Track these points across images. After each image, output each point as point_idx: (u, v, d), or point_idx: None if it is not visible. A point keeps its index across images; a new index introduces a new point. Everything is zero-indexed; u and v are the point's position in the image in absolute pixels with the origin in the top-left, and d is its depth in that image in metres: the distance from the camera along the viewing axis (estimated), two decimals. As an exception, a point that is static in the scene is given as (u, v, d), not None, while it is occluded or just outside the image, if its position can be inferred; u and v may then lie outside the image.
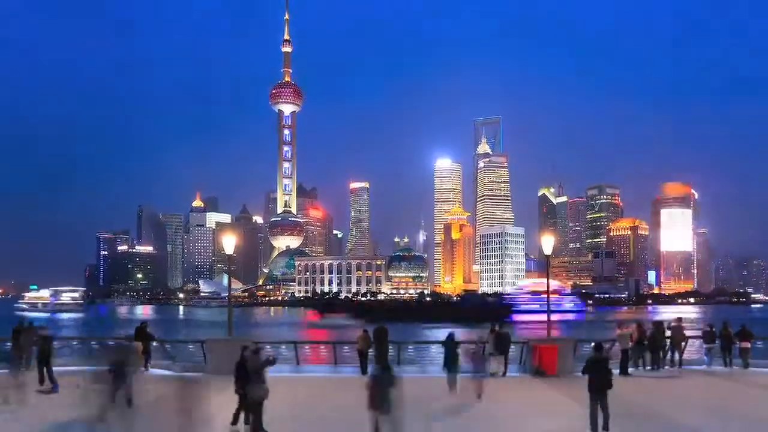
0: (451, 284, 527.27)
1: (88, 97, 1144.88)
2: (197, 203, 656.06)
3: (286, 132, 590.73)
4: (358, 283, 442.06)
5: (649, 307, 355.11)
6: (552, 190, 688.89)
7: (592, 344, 21.05)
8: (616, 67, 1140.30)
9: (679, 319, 35.16)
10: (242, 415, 20.11)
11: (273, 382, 28.62)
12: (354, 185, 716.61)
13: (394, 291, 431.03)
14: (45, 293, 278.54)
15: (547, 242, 34.83)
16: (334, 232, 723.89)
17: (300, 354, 33.50)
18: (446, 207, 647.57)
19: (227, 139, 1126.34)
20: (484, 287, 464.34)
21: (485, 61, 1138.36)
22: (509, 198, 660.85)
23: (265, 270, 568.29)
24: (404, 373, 30.13)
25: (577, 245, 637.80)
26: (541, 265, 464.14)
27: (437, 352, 36.57)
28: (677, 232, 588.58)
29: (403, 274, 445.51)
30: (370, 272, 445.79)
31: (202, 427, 17.78)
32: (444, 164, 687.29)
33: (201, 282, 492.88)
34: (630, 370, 31.19)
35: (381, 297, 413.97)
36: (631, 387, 27.10)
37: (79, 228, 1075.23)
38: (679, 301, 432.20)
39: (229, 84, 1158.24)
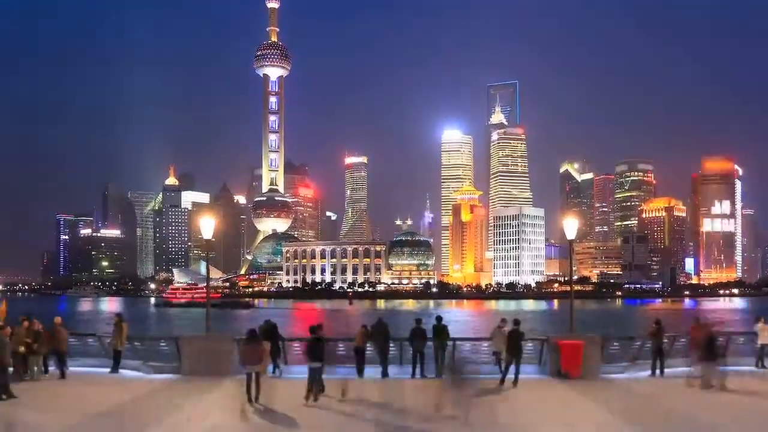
0: (460, 273, 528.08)
1: (46, 61, 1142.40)
2: (171, 181, 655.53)
3: (273, 99, 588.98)
4: (355, 272, 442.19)
5: (687, 299, 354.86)
6: (576, 165, 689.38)
7: None
8: (647, 29, 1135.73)
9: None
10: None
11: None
12: (350, 160, 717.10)
13: (396, 281, 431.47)
14: None
15: (571, 225, 34.68)
16: (327, 213, 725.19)
17: (288, 352, 33.47)
18: (455, 185, 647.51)
19: (205, 107, 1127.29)
20: (498, 276, 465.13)
21: (500, 18, 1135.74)
22: (527, 175, 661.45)
23: (249, 257, 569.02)
24: (406, 375, 30.29)
25: (605, 228, 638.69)
26: (564, 252, 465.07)
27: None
28: (719, 213, 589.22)
29: (406, 262, 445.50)
30: (368, 259, 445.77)
31: None
32: (453, 136, 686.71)
33: (175, 271, 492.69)
34: None
35: (380, 287, 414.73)
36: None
37: (36, 209, 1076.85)
38: (721, 292, 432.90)
39: (208, 45, 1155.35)
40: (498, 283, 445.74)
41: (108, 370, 31.12)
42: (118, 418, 22.23)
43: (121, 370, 31.10)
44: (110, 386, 27.60)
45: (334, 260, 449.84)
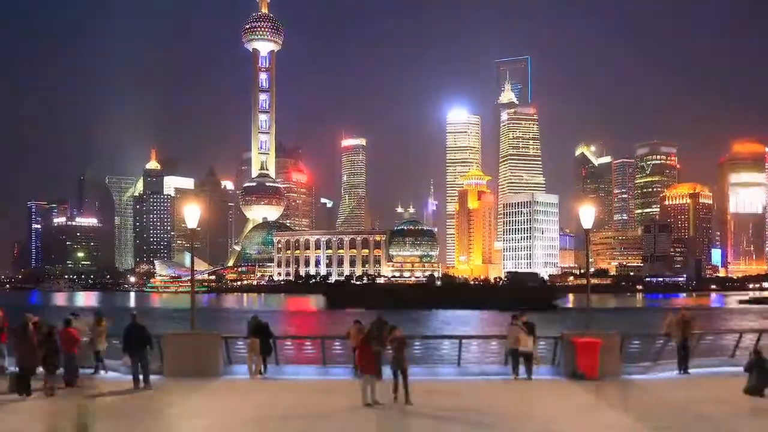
0: (467, 265, 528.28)
1: (16, 38, 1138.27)
2: (152, 165, 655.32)
3: (263, 76, 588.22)
4: (352, 264, 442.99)
5: (713, 294, 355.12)
6: (593, 148, 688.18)
7: None
8: (671, 3, 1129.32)
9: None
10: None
11: (249, 386, 28.86)
12: (347, 142, 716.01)
13: (397, 273, 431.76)
14: None
15: (587, 213, 34.64)
16: (322, 200, 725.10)
17: (280, 352, 33.49)
18: (461, 169, 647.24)
19: (189, 85, 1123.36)
20: (508, 268, 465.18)
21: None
22: (539, 158, 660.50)
23: (237, 248, 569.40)
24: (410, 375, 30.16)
25: (624, 217, 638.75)
26: (579, 242, 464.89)
27: (450, 349, 36.60)
28: (748, 200, 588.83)
29: (408, 253, 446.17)
30: (366, 250, 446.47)
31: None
32: (459, 116, 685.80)
33: (157, 263, 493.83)
34: None
35: (380, 281, 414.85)
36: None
37: (6, 196, 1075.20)
38: (751, 286, 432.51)
39: (192, 17, 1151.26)
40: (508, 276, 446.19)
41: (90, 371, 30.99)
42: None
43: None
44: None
45: (329, 251, 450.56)
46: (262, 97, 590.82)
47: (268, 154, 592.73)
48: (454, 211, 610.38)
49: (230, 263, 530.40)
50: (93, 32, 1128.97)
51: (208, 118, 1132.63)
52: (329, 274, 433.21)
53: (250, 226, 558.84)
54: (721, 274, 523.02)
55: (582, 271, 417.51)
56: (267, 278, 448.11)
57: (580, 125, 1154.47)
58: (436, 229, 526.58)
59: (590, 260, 38.64)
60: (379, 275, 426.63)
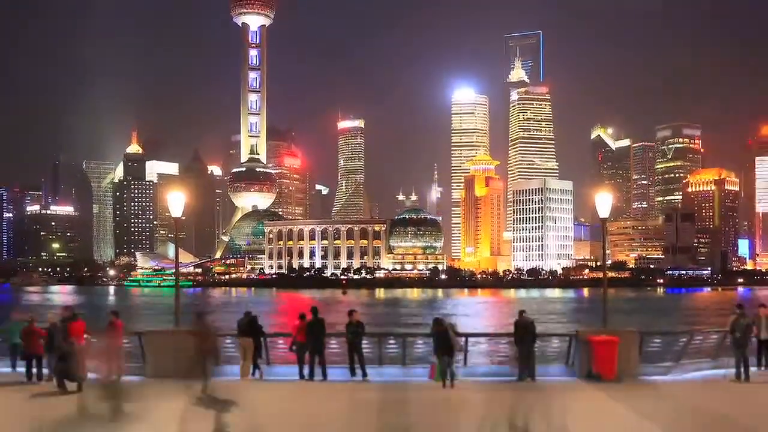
0: (474, 257, 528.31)
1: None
2: (133, 148, 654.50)
3: (253, 53, 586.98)
4: (349, 256, 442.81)
5: (740, 288, 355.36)
6: (610, 130, 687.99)
7: None
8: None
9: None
10: None
11: (238, 387, 28.87)
12: (344, 124, 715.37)
13: (398, 266, 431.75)
14: None
15: (604, 201, 34.60)
16: (317, 187, 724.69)
17: (270, 350, 33.46)
18: (468, 153, 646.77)
19: (173, 62, 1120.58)
20: (518, 261, 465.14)
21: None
22: (552, 141, 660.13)
23: (225, 238, 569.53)
24: (409, 377, 30.18)
25: (644, 205, 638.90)
26: (595, 232, 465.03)
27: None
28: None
29: (410, 244, 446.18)
30: (365, 241, 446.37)
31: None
32: (465, 96, 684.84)
33: (138, 255, 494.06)
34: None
35: (380, 274, 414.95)
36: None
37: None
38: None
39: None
40: (518, 269, 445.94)
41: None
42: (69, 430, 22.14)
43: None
44: (59, 392, 27.47)
45: (325, 242, 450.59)
46: (252, 75, 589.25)
47: (258, 136, 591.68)
48: (460, 199, 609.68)
49: (217, 255, 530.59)
50: (66, 6, 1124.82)
51: (194, 98, 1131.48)
52: (324, 266, 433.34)
53: (239, 214, 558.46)
54: (749, 266, 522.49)
55: (598, 263, 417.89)
56: (257, 271, 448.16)
57: (597, 106, 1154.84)
58: (440, 218, 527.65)
59: (607, 252, 38.71)
60: (379, 268, 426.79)
